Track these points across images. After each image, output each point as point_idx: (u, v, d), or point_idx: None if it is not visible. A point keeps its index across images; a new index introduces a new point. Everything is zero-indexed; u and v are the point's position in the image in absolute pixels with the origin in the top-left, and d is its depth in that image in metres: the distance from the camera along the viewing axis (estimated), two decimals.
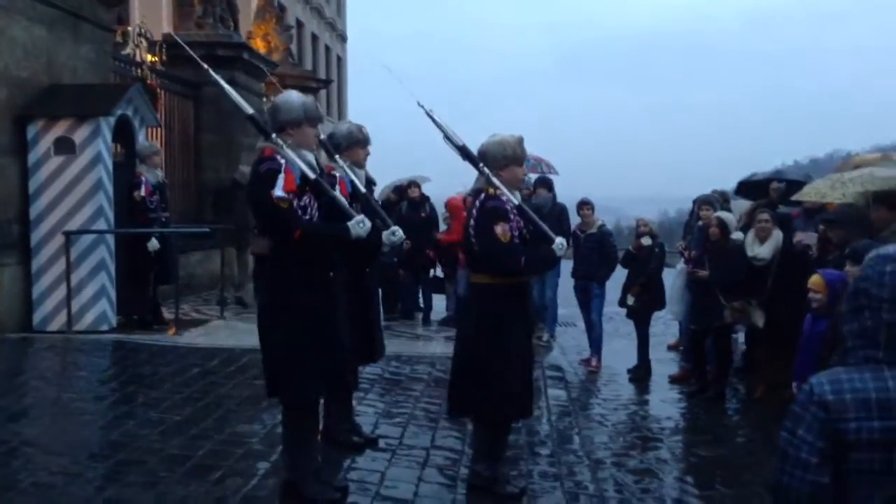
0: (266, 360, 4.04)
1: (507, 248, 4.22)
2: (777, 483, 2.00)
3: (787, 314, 6.83)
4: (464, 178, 10.44)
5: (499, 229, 4.20)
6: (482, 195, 4.33)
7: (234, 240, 10.72)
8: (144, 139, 9.15)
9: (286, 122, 3.96)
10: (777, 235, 7.27)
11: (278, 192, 3.78)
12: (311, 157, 4.04)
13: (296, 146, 3.93)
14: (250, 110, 4.11)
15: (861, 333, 1.99)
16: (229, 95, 4.13)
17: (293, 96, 4.08)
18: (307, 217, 3.90)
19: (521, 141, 4.40)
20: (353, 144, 4.90)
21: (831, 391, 1.94)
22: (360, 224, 3.88)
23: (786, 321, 6.86)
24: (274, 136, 3.93)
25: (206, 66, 4.45)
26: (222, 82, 4.22)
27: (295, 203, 3.83)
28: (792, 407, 2.00)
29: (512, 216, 4.28)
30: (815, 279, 5.41)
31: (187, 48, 5.02)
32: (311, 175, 3.90)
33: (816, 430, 1.93)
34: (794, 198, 7.74)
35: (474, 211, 4.34)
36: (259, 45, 15.95)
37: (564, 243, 4.36)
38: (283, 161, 3.85)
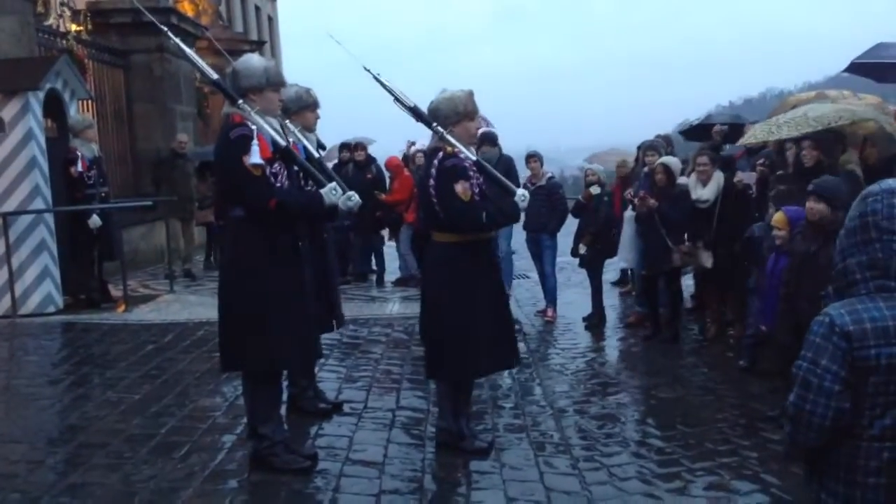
0: (228, 329, 3.95)
1: (468, 206, 4.20)
2: (797, 410, 2.12)
3: (732, 253, 7.00)
4: (408, 136, 10.33)
5: (459, 188, 4.17)
6: (440, 154, 4.28)
7: (178, 211, 10.48)
8: (76, 112, 8.84)
9: (248, 87, 3.84)
10: (718, 177, 7.37)
11: (254, 159, 3.68)
12: (276, 123, 3.94)
13: (261, 112, 3.82)
14: (215, 75, 3.97)
15: (872, 265, 2.10)
16: (191, 60, 3.98)
17: (254, 61, 3.94)
18: (278, 185, 3.82)
19: (471, 95, 4.35)
20: (303, 108, 4.80)
21: (852, 322, 2.06)
22: (332, 192, 3.83)
23: (731, 260, 7.03)
24: (241, 101, 3.81)
25: (165, 29, 4.28)
26: (184, 46, 4.08)
27: (267, 170, 3.75)
28: (810, 338, 2.11)
29: (471, 173, 4.25)
30: (778, 216, 5.50)
31: (148, 14, 4.79)
32: (282, 142, 3.81)
33: (839, 360, 2.06)
34: (739, 143, 7.84)
35: (433, 171, 4.29)
36: (187, 9, 15.44)
37: (527, 194, 4.36)
38: (254, 127, 3.74)
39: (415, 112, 4.35)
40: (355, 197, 3.95)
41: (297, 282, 3.91)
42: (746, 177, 7.29)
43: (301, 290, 3.93)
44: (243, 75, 3.85)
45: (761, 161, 7.14)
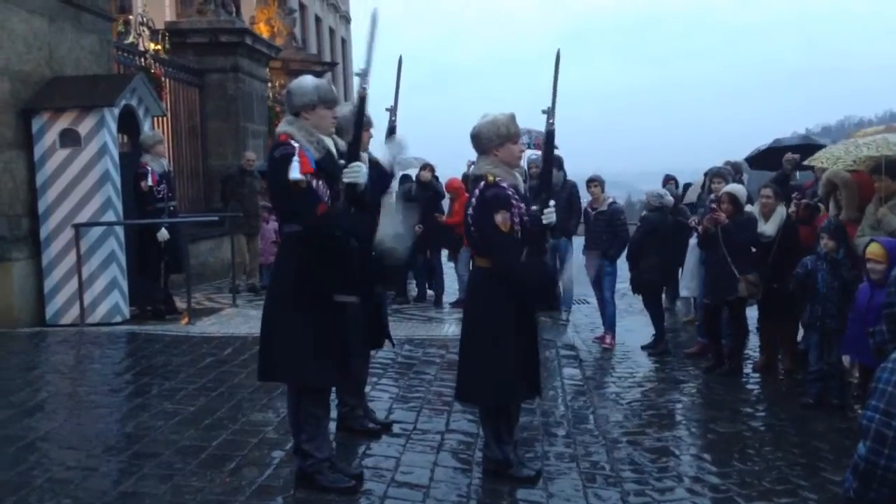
0: (267, 340, 4.02)
1: (506, 241, 4.16)
2: (870, 466, 1.96)
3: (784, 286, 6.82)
4: (469, 156, 10.32)
5: (499, 218, 4.14)
6: (482, 183, 4.28)
7: (244, 227, 10.70)
8: (149, 128, 9.12)
9: (300, 105, 3.96)
10: (781, 211, 7.19)
11: (294, 174, 3.78)
12: (328, 141, 4.02)
13: (312, 129, 3.93)
14: None
15: None
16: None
17: (306, 80, 4.07)
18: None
19: (512, 118, 4.33)
20: None
21: None
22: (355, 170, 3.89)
23: (783, 294, 6.84)
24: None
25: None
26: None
27: (313, 184, 3.85)
28: (879, 387, 1.96)
29: (514, 202, 4.22)
30: (873, 248, 5.16)
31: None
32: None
33: None
34: (807, 162, 7.62)
35: (473, 199, 4.30)
36: (262, 30, 15.86)
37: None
38: (296, 145, 3.86)
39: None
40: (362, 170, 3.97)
41: (341, 302, 3.93)
42: None
43: (342, 308, 3.95)
44: (296, 94, 3.98)
45: (795, 194, 6.99)
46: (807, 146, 10.04)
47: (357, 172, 3.90)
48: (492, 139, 4.28)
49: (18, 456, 4.42)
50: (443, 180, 10.85)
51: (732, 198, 7.31)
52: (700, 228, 7.52)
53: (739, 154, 14.74)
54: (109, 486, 4.09)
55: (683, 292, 8.97)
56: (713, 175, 8.36)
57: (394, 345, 5.63)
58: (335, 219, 3.89)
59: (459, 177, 10.86)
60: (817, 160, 7.27)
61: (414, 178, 10.77)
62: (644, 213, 8.33)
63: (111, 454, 4.54)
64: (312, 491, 4.01)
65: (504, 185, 4.23)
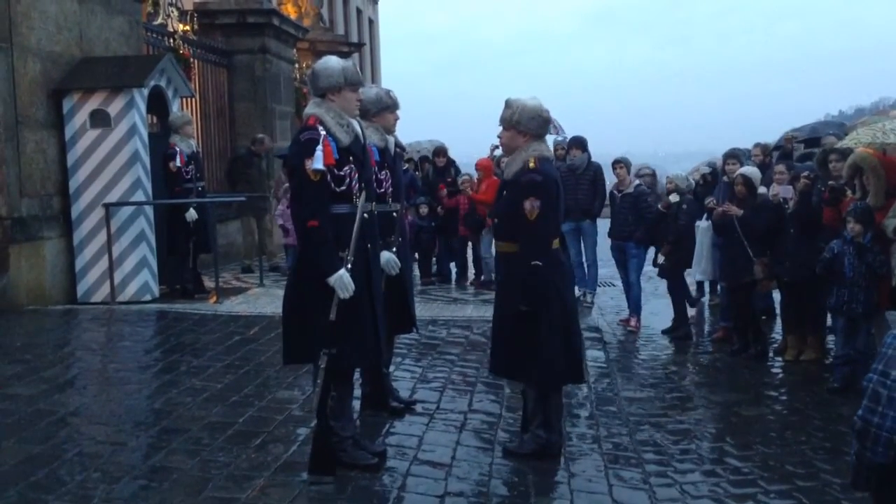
0: (289, 323, 4.04)
1: (533, 226, 4.22)
2: (865, 424, 1.99)
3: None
4: (487, 142, 10.29)
5: (527, 205, 4.20)
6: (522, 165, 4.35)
7: (254, 208, 10.78)
8: (178, 109, 9.19)
9: (326, 87, 3.94)
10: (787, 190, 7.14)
11: (316, 164, 3.76)
12: (355, 123, 4.02)
13: (341, 112, 3.91)
14: None
15: None
16: None
17: (332, 61, 4.04)
18: (343, 187, 3.87)
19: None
20: (382, 110, 4.83)
21: None
22: (340, 279, 3.77)
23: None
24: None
25: None
26: None
27: (329, 176, 3.81)
28: (882, 350, 1.99)
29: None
30: None
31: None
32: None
33: None
34: (837, 145, 7.55)
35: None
36: (290, 11, 15.86)
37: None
38: (323, 132, 3.82)
39: None
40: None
41: (364, 285, 3.93)
42: (783, 191, 7.07)
43: (369, 294, 3.97)
44: (322, 76, 3.95)
45: (806, 174, 6.93)
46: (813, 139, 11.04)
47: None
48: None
49: (50, 430, 4.52)
50: (466, 159, 10.90)
51: (746, 180, 7.27)
52: (719, 209, 7.43)
53: (769, 135, 14.58)
54: (138, 461, 4.18)
55: (697, 276, 8.89)
56: (727, 156, 8.34)
57: (417, 330, 5.64)
58: (318, 239, 3.80)
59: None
60: (845, 144, 7.20)
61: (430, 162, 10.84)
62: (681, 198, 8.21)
63: (140, 429, 4.63)
64: (336, 467, 4.06)
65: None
